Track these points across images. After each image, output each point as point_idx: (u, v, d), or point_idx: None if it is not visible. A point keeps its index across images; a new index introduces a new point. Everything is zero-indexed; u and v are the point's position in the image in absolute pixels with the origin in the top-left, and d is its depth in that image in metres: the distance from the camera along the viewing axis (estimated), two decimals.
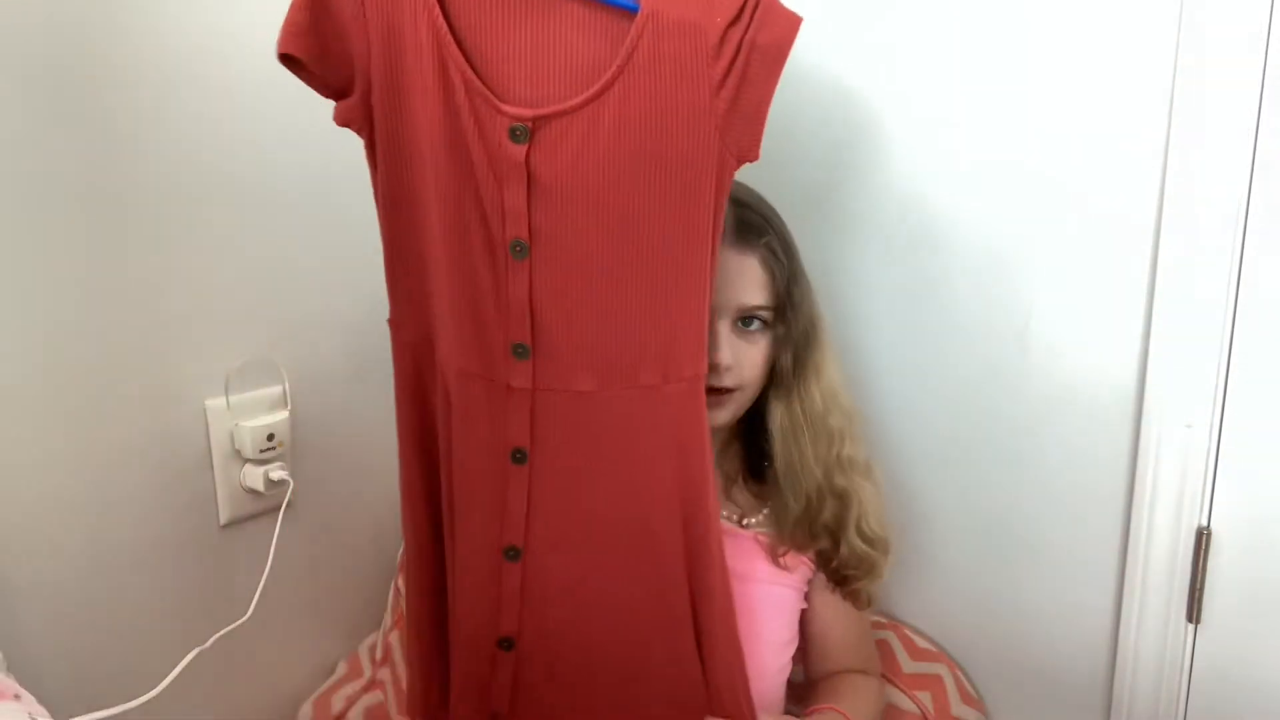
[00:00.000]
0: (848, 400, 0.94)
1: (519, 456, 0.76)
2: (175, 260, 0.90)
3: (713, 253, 0.74)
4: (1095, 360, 0.95)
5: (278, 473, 0.97)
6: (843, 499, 0.91)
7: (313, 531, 1.05)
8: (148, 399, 0.89)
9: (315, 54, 0.71)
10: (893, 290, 1.08)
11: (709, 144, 0.70)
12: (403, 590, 1.07)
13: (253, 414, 0.96)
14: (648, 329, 0.73)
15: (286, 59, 0.71)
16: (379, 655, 1.09)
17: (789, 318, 0.88)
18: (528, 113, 0.68)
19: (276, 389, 0.99)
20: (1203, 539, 0.91)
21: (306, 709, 1.05)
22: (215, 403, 0.94)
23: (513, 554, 0.78)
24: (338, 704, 1.05)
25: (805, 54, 0.96)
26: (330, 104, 1.03)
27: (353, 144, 1.02)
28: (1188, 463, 0.90)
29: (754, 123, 0.70)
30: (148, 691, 0.76)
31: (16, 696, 0.60)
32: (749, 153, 0.71)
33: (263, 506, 0.98)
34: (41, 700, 0.62)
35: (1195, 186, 0.86)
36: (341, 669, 1.10)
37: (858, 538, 0.91)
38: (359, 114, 0.73)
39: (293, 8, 0.70)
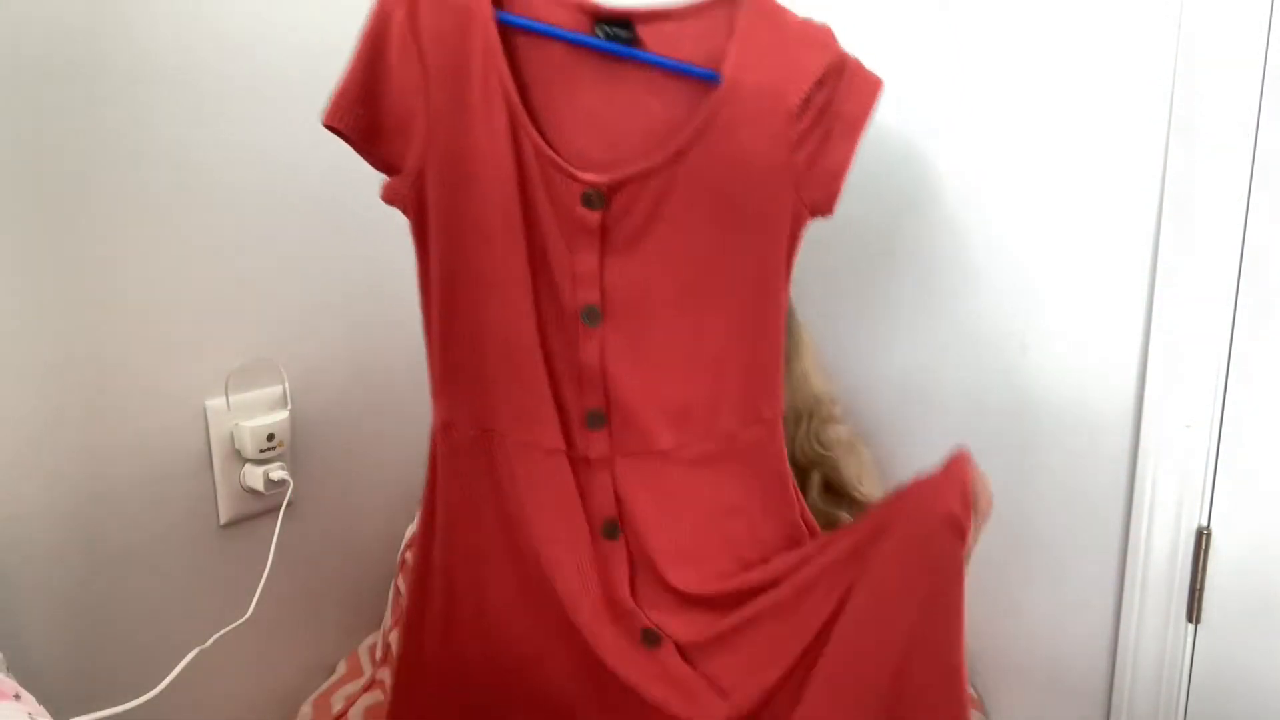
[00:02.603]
0: (820, 386, 0.94)
1: (610, 530, 0.73)
2: (175, 260, 0.90)
3: (785, 298, 0.72)
4: (1095, 360, 0.95)
5: (278, 473, 0.97)
6: (818, 465, 0.92)
7: (313, 531, 1.05)
8: (148, 399, 0.89)
9: (364, 125, 0.68)
10: (893, 293, 1.08)
11: (785, 200, 0.68)
12: (404, 591, 1.07)
13: (253, 414, 0.96)
14: (723, 379, 0.71)
15: (332, 130, 0.69)
16: (379, 655, 1.09)
17: None
18: (602, 179, 0.66)
19: (276, 389, 0.99)
20: (1203, 539, 0.91)
21: (306, 709, 1.05)
22: (215, 403, 0.94)
23: (651, 639, 0.73)
24: (338, 704, 1.05)
25: None
26: None
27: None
28: (1188, 463, 0.90)
29: (833, 181, 0.69)
30: (148, 691, 0.76)
31: (16, 696, 0.60)
32: (824, 207, 0.70)
33: (263, 506, 0.98)
34: (41, 700, 0.62)
35: (1195, 186, 0.86)
36: (341, 669, 1.10)
37: (821, 499, 0.92)
38: (410, 195, 0.70)
39: (347, 74, 0.67)
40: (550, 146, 0.66)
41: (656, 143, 0.67)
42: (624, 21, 0.66)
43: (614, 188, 0.67)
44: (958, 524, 0.64)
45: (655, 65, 0.66)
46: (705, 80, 0.66)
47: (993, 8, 0.96)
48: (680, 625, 0.73)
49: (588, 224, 0.67)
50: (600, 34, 0.66)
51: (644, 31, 0.67)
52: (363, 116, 0.68)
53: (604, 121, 0.68)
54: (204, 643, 0.85)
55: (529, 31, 0.66)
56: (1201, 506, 0.91)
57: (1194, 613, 0.93)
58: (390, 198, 0.71)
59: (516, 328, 0.70)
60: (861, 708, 0.67)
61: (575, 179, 0.66)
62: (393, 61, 0.67)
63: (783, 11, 0.68)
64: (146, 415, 0.89)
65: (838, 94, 0.67)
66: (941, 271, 1.04)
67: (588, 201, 0.66)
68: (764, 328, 0.71)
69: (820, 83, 0.67)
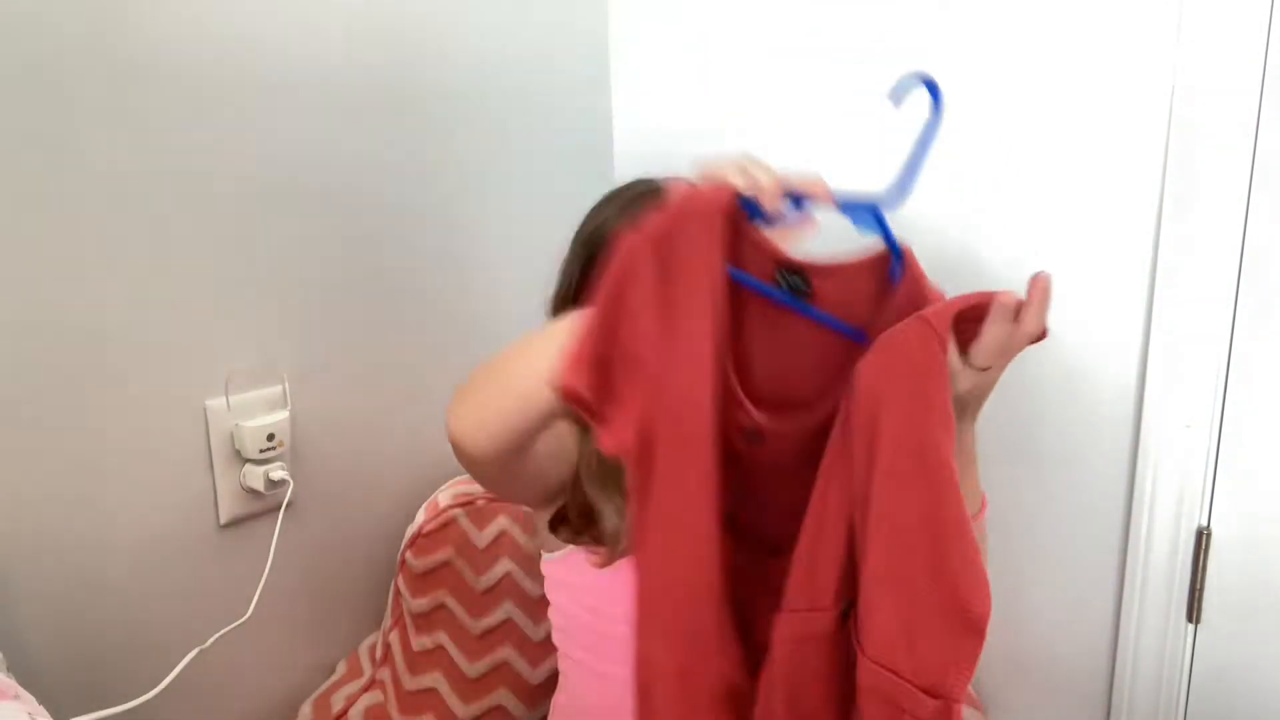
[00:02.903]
0: None
1: (742, 695, 0.78)
2: (176, 260, 0.90)
3: None
4: (1095, 360, 0.95)
5: (278, 473, 0.97)
6: None
7: (313, 531, 1.05)
8: (148, 399, 0.89)
9: (596, 384, 0.68)
10: None
11: None
12: (404, 590, 1.08)
13: (253, 414, 0.96)
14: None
15: (569, 395, 0.68)
16: (379, 655, 1.09)
17: None
18: (767, 425, 0.71)
19: (276, 389, 0.99)
20: (1203, 539, 0.91)
21: (306, 709, 1.05)
22: (215, 403, 0.94)
23: None
24: (338, 704, 1.05)
25: (809, 56, 0.95)
26: (335, 114, 1.03)
27: (355, 147, 1.02)
28: (1188, 463, 0.90)
29: None
30: (148, 691, 0.76)
31: (16, 696, 0.60)
32: None
33: (263, 506, 0.98)
34: (41, 700, 0.62)
35: (1195, 186, 0.86)
36: (341, 669, 1.10)
37: None
38: (637, 446, 0.70)
39: (590, 332, 0.67)
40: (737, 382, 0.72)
41: (811, 391, 0.73)
42: (803, 273, 0.71)
43: (771, 431, 0.72)
44: (924, 318, 0.68)
45: (817, 320, 0.73)
46: (857, 340, 0.72)
47: (992, 8, 0.96)
48: None
49: (739, 451, 0.73)
50: (780, 279, 0.71)
51: (818, 284, 0.72)
52: (598, 376, 0.68)
53: (768, 359, 0.73)
54: (204, 643, 0.85)
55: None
56: (1201, 506, 0.91)
57: (1194, 613, 0.93)
58: (617, 450, 0.71)
59: (715, 558, 0.73)
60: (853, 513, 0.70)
61: (747, 413, 0.71)
62: (633, 310, 0.68)
63: (922, 274, 0.74)
64: (146, 415, 0.89)
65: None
66: (941, 271, 1.04)
67: (745, 434, 0.72)
68: None
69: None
